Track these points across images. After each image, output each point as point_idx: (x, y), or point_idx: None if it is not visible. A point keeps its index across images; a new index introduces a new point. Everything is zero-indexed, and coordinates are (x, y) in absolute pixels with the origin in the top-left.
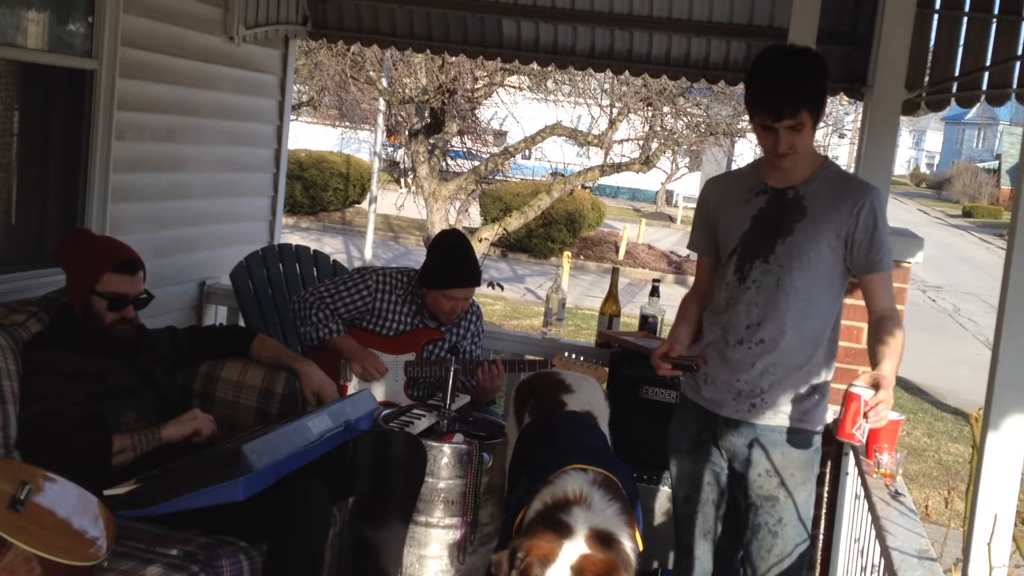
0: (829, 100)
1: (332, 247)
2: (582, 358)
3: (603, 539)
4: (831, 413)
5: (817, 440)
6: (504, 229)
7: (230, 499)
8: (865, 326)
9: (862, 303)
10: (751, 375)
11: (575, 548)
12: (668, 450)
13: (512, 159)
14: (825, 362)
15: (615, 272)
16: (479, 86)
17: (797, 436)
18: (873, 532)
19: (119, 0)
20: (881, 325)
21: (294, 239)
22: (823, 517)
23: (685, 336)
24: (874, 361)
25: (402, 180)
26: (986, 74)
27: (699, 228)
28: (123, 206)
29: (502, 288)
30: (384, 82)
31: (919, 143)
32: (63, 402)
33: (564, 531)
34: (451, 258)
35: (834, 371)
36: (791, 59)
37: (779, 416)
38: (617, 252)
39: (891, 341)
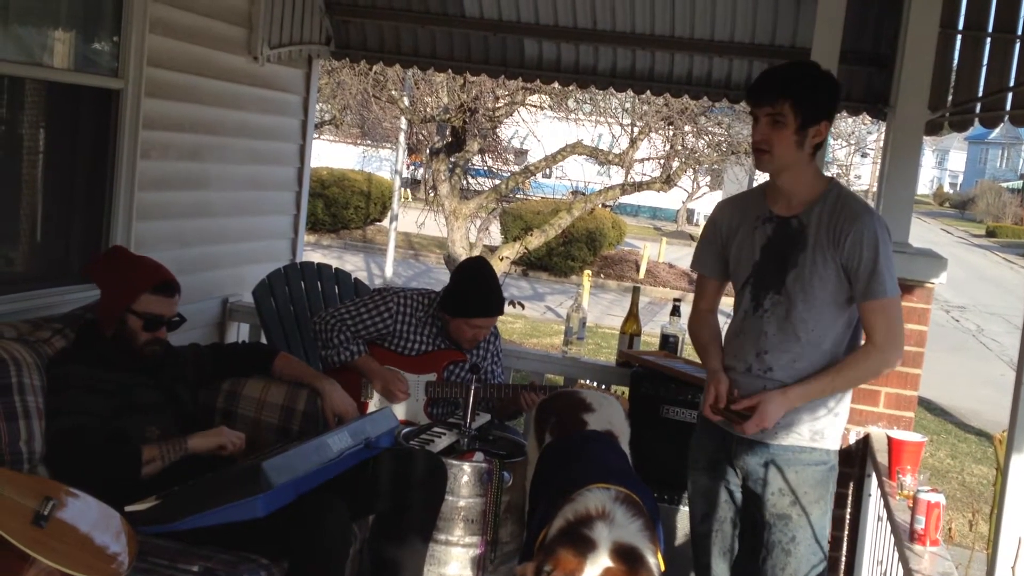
0: (852, 120)
1: (353, 265)
2: (603, 387)
3: (627, 554)
4: (854, 434)
5: (832, 458)
6: (525, 247)
7: (250, 516)
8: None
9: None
10: None
11: (599, 563)
12: (687, 469)
13: (533, 178)
14: None
15: (635, 291)
16: (500, 105)
17: (811, 455)
18: (896, 555)
19: (145, 20)
20: (853, 353)
21: (316, 257)
22: (845, 539)
23: (720, 364)
24: None
25: (417, 192)
26: (1009, 95)
27: (708, 250)
28: (148, 224)
29: (522, 307)
30: (406, 101)
31: (942, 163)
32: (89, 417)
33: (588, 546)
34: (477, 287)
35: (852, 392)
36: (793, 63)
37: (792, 436)
38: (638, 271)
39: (834, 370)
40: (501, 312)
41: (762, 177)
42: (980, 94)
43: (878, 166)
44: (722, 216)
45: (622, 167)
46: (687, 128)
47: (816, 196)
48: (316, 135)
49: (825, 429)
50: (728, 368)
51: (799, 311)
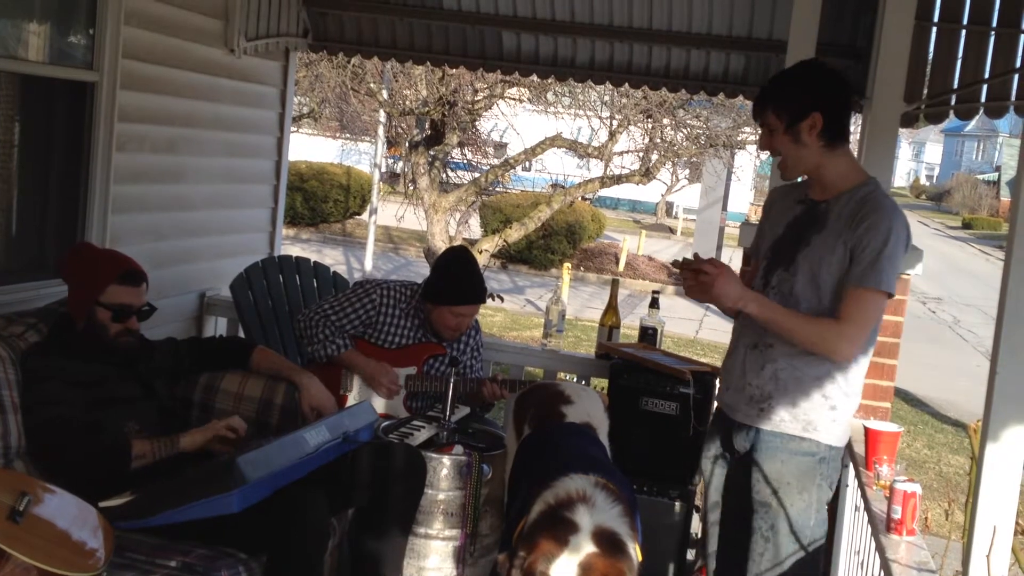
0: None
1: (332, 258)
2: (582, 381)
3: (609, 539)
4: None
5: (823, 451)
6: (504, 240)
7: (224, 511)
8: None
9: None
10: (761, 379)
11: (582, 546)
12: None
13: (512, 171)
14: (842, 373)
15: (615, 284)
16: (479, 98)
17: (799, 444)
18: (873, 544)
19: (120, 12)
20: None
21: (294, 250)
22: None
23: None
24: None
25: (397, 185)
26: (984, 87)
27: (758, 234)
28: (123, 217)
29: (502, 300)
30: (384, 94)
31: (919, 155)
32: (69, 408)
33: (570, 528)
34: (459, 275)
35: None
36: (786, 68)
37: (784, 423)
38: (617, 264)
39: (796, 315)
40: (483, 300)
41: (741, 170)
42: (955, 86)
43: None
44: (769, 200)
45: (601, 160)
46: (666, 121)
47: (849, 186)
48: (294, 128)
49: (818, 421)
50: (737, 346)
51: (801, 288)
